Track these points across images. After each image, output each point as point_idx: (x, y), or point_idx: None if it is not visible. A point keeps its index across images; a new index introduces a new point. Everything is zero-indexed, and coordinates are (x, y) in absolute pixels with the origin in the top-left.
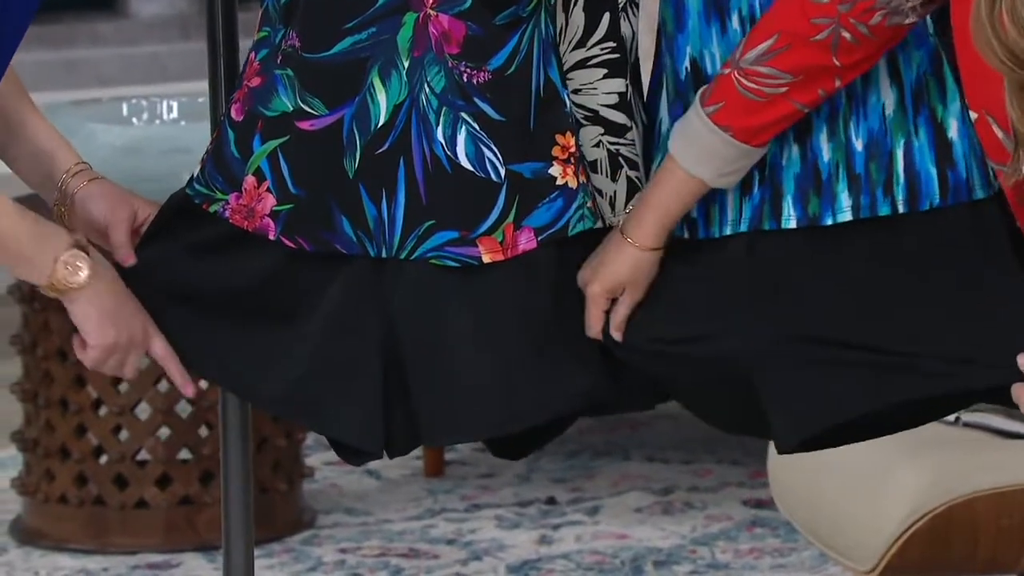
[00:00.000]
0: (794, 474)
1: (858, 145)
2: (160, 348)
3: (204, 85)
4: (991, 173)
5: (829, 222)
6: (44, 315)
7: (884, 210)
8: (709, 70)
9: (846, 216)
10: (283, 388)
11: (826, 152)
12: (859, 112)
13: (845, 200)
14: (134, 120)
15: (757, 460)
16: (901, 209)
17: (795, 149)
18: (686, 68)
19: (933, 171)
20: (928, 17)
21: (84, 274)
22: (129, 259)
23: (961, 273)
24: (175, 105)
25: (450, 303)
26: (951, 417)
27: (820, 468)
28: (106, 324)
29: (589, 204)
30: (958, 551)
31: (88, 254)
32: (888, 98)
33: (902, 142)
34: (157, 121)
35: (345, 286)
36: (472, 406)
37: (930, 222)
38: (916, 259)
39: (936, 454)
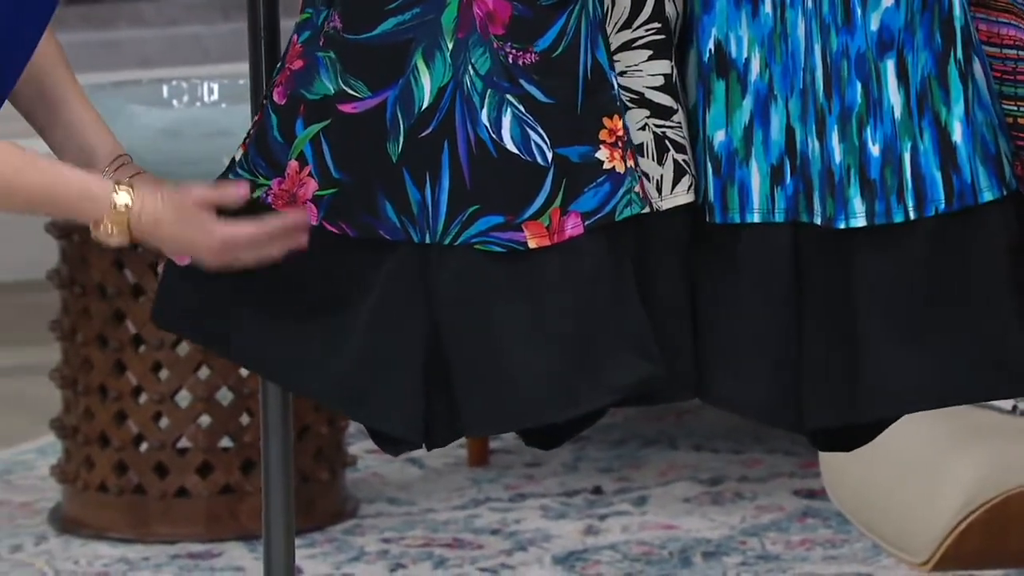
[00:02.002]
0: (847, 464)
1: (874, 150)
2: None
3: (245, 67)
4: (1001, 174)
5: (841, 225)
6: (84, 301)
7: (898, 217)
8: (733, 53)
9: (860, 222)
10: (328, 379)
11: (838, 153)
12: (876, 116)
13: (858, 205)
14: (175, 102)
15: (808, 450)
16: (912, 215)
17: (817, 145)
18: (710, 50)
19: (938, 176)
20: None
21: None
22: (183, 258)
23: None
24: (216, 87)
25: (496, 289)
26: (1008, 406)
27: (873, 458)
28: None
29: (637, 188)
30: (1015, 542)
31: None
32: (896, 101)
33: (908, 146)
34: (198, 103)
35: (389, 274)
36: (516, 395)
37: (939, 227)
38: (927, 265)
39: (992, 443)
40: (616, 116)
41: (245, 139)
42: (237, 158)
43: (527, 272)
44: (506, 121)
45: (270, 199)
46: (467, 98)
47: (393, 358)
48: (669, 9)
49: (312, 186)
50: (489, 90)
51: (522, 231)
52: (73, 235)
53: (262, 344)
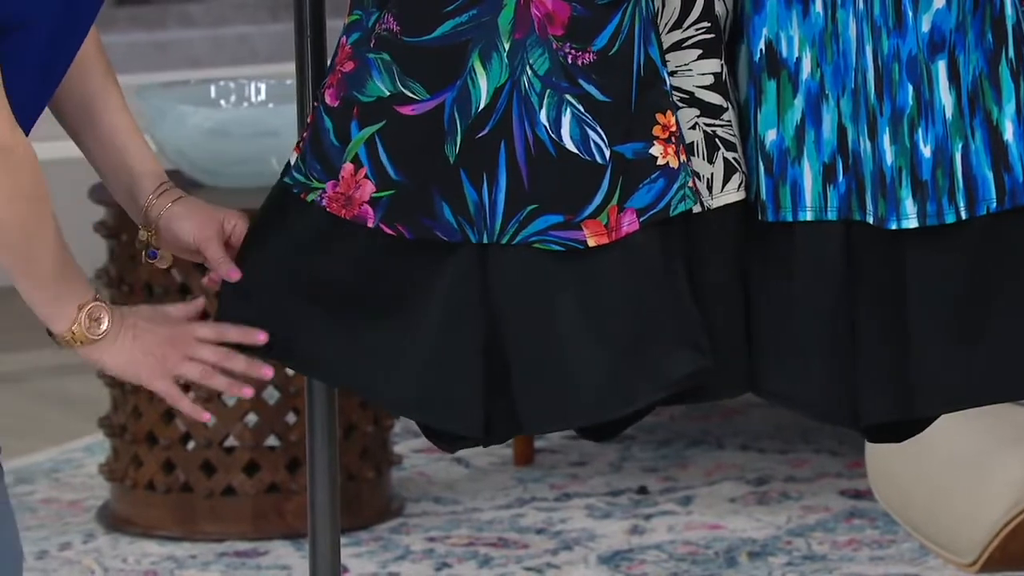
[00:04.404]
0: (893, 464)
1: (926, 151)
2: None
3: (292, 67)
4: None
5: (893, 226)
6: (132, 300)
7: (950, 217)
8: (784, 53)
9: (911, 223)
10: (391, 382)
11: (889, 155)
12: (927, 117)
13: (910, 206)
14: (222, 102)
15: (855, 450)
16: (963, 215)
17: (868, 145)
18: (761, 50)
19: (989, 175)
20: (1010, 3)
21: (103, 327)
22: (233, 274)
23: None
24: (263, 87)
25: (555, 287)
26: None
27: (920, 458)
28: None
29: (690, 183)
30: None
31: (106, 305)
32: (948, 102)
33: (960, 146)
34: (245, 103)
35: (447, 275)
36: (576, 393)
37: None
38: (980, 263)
39: None
40: (669, 112)
41: (299, 142)
42: (292, 161)
43: (586, 270)
44: (566, 121)
45: (324, 202)
46: (525, 98)
47: (454, 358)
48: (719, 8)
49: (369, 188)
50: (548, 90)
51: (581, 230)
52: (121, 235)
53: (324, 351)
